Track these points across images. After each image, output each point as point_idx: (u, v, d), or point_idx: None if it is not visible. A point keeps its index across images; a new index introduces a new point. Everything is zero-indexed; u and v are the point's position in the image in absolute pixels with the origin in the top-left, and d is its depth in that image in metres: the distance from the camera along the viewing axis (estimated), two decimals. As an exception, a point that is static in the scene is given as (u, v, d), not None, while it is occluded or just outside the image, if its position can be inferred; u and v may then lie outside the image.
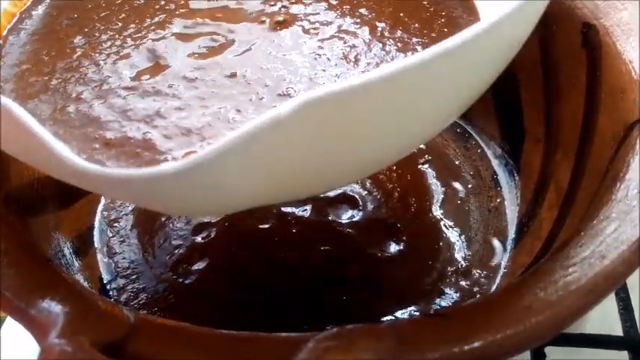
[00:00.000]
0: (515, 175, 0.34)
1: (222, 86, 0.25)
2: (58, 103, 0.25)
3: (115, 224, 0.35)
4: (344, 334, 0.20)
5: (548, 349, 0.26)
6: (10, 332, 0.34)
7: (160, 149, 0.23)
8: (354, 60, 0.25)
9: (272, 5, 0.28)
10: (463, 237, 0.32)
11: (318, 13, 0.27)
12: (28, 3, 0.29)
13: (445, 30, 0.26)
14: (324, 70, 0.25)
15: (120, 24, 0.28)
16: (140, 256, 0.33)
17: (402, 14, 0.27)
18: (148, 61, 0.26)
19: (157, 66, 0.26)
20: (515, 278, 0.27)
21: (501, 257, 0.31)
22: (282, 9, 0.28)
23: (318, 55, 0.26)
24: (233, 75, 0.25)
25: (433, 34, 0.26)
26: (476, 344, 0.20)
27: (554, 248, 0.26)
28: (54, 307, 0.21)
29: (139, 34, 0.27)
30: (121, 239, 0.34)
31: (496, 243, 0.32)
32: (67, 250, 0.30)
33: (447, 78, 0.18)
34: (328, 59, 0.25)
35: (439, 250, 0.31)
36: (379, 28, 0.26)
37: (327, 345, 0.19)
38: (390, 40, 0.26)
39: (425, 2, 0.27)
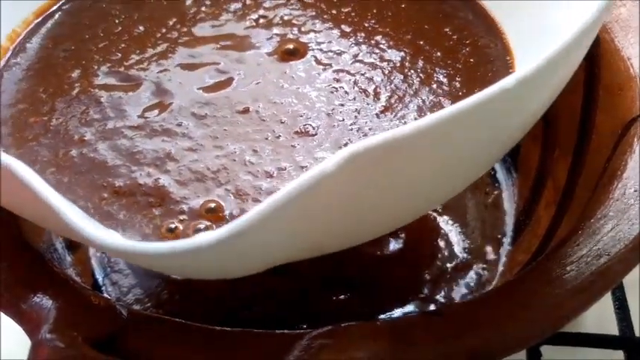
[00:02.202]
0: (513, 172, 0.33)
1: (235, 124, 0.23)
2: (59, 147, 0.23)
3: None
4: (339, 332, 0.19)
5: (544, 348, 0.26)
6: (10, 332, 0.32)
7: (174, 198, 0.21)
8: (373, 93, 0.24)
9: (281, 33, 0.27)
10: (461, 234, 0.31)
11: (331, 42, 0.26)
12: (22, 36, 0.28)
13: (471, 60, 0.25)
14: (342, 105, 0.24)
15: (119, 55, 0.26)
16: None
17: (422, 42, 0.26)
18: (153, 96, 0.24)
19: (163, 101, 0.24)
20: (512, 276, 0.28)
21: (499, 255, 0.31)
22: (292, 37, 0.26)
23: (335, 88, 0.24)
24: (245, 110, 0.24)
25: (458, 65, 0.24)
26: (472, 343, 0.20)
27: (551, 246, 0.25)
28: (46, 302, 0.20)
29: (141, 66, 0.26)
30: None
31: (494, 240, 0.31)
32: (59, 245, 0.29)
33: (500, 119, 0.17)
34: (346, 92, 0.24)
35: (437, 248, 0.30)
36: (399, 58, 0.25)
37: (322, 343, 0.19)
38: (412, 70, 0.25)
39: (447, 29, 0.26)
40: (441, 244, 0.31)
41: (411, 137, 0.14)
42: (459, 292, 0.29)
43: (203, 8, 0.28)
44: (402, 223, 0.21)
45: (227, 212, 0.20)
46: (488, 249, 0.31)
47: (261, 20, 0.27)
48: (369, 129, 0.23)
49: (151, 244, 0.14)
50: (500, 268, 0.30)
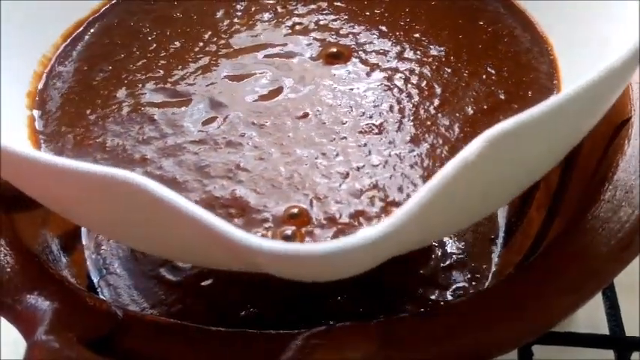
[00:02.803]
0: None
1: (297, 129, 0.23)
2: (121, 167, 0.23)
3: None
4: (332, 332, 0.20)
5: (535, 348, 0.26)
6: (10, 332, 0.32)
7: (254, 207, 0.21)
8: (427, 88, 0.24)
9: (320, 38, 0.27)
10: (453, 235, 0.32)
11: (372, 42, 0.26)
12: (53, 60, 0.27)
13: (512, 50, 0.26)
14: (399, 102, 0.24)
15: (162, 71, 0.26)
16: (128, 252, 0.31)
17: (460, 36, 0.26)
18: (208, 110, 0.24)
19: (220, 114, 0.24)
20: (504, 276, 0.28)
21: (491, 255, 0.31)
22: (333, 41, 0.27)
23: (387, 86, 0.25)
24: (304, 115, 0.24)
25: (500, 55, 0.25)
26: (464, 343, 0.20)
27: (543, 247, 0.26)
28: (41, 303, 0.20)
29: (187, 81, 0.26)
30: None
31: (486, 241, 0.32)
32: (55, 247, 0.29)
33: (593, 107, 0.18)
34: (400, 90, 0.24)
35: (430, 249, 0.31)
36: (443, 53, 0.26)
37: (316, 343, 0.19)
38: (458, 64, 0.25)
39: (481, 22, 0.27)
40: (434, 244, 0.31)
41: (539, 118, 0.15)
42: (451, 292, 0.29)
43: (235, 20, 0.28)
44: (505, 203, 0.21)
45: (313, 216, 0.21)
46: (481, 249, 0.31)
47: (297, 27, 0.27)
48: (431, 123, 0.23)
49: (317, 245, 0.14)
50: (493, 268, 0.30)
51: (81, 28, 0.29)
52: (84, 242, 0.32)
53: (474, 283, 0.30)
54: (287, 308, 0.28)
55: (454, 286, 0.29)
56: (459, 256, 0.31)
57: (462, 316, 0.20)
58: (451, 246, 0.31)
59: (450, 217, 0.17)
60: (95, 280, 0.31)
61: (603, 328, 0.28)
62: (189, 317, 0.22)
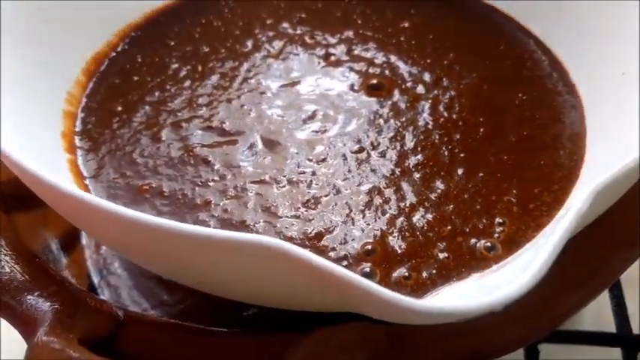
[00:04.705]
0: None
1: (355, 164, 0.24)
2: (185, 213, 0.23)
3: None
4: (338, 331, 0.19)
5: (541, 346, 0.26)
6: (10, 333, 0.32)
7: (329, 245, 0.22)
8: (470, 117, 0.25)
9: (357, 69, 0.27)
10: None
11: (409, 72, 0.27)
12: (83, 101, 0.27)
13: (537, 75, 0.27)
14: (447, 133, 0.25)
15: (204, 109, 0.26)
16: None
17: (487, 62, 0.28)
18: (262, 147, 0.24)
19: (274, 152, 0.24)
20: None
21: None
22: (371, 72, 0.27)
23: (434, 116, 0.25)
24: (360, 150, 0.24)
25: (528, 81, 0.27)
26: (472, 342, 0.20)
27: None
28: (42, 304, 0.20)
29: (234, 119, 0.26)
30: None
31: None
32: (55, 247, 0.29)
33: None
34: (446, 120, 0.25)
35: None
36: (475, 80, 0.27)
37: (323, 342, 0.19)
38: (492, 91, 0.26)
39: (502, 47, 0.28)
40: None
41: (632, 169, 0.16)
42: None
43: (266, 53, 0.28)
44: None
45: (389, 252, 0.21)
46: None
47: (332, 58, 0.28)
48: (479, 153, 0.24)
49: (471, 302, 0.15)
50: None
51: (104, 66, 0.28)
52: (84, 242, 0.31)
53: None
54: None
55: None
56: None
57: None
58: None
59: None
60: (96, 281, 0.30)
61: (610, 326, 0.28)
62: (191, 318, 0.22)
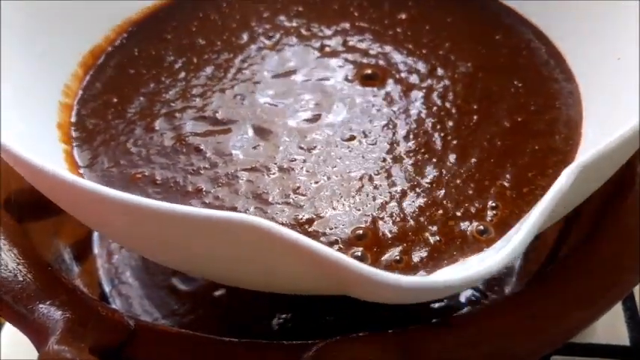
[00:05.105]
0: None
1: (347, 153, 0.24)
2: (178, 201, 0.23)
3: None
4: (349, 342, 0.20)
5: (554, 358, 0.26)
6: (10, 333, 0.32)
7: (321, 231, 0.21)
8: (463, 104, 0.25)
9: (352, 60, 0.27)
10: None
11: (403, 62, 0.27)
12: (79, 93, 0.27)
13: (533, 63, 0.27)
14: (440, 121, 0.25)
15: (197, 99, 0.26)
16: (140, 262, 0.31)
17: (483, 51, 0.27)
18: (254, 136, 0.24)
19: (266, 140, 0.24)
20: (522, 286, 0.27)
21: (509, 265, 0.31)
22: (365, 62, 0.27)
23: (426, 105, 0.25)
24: (352, 138, 0.24)
25: (523, 69, 0.27)
26: (482, 353, 0.20)
27: (561, 256, 0.26)
28: (53, 313, 0.20)
29: (227, 108, 0.26)
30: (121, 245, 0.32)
31: None
32: (67, 256, 0.29)
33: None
34: (439, 108, 0.25)
35: None
36: (470, 69, 0.27)
37: (331, 354, 0.19)
38: (487, 79, 0.26)
39: (499, 37, 0.28)
40: None
41: (617, 146, 0.16)
42: (468, 303, 0.29)
43: (262, 45, 0.28)
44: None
45: (380, 236, 0.21)
46: None
47: (326, 49, 0.28)
48: (473, 139, 0.24)
49: (449, 276, 0.14)
50: (511, 277, 0.30)
51: (101, 59, 0.28)
52: (96, 251, 0.32)
53: (491, 292, 0.30)
54: (301, 318, 0.28)
55: (472, 296, 0.29)
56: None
57: (480, 326, 0.20)
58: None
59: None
60: (107, 290, 0.30)
61: (623, 339, 0.27)
62: (201, 327, 0.22)
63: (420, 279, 0.15)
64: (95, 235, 0.32)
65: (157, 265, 0.30)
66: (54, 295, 0.21)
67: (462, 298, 0.29)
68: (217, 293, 0.29)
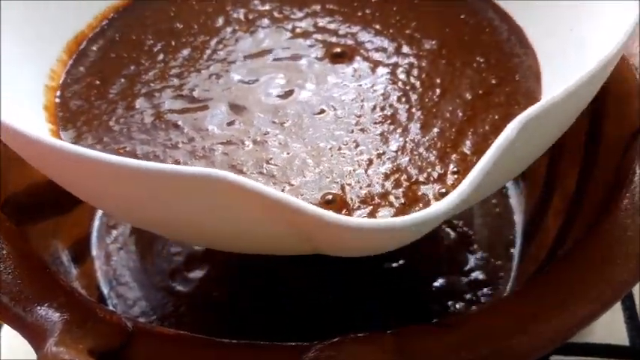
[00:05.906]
0: (521, 181, 0.34)
1: (316, 125, 0.25)
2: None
3: (114, 230, 0.34)
4: (346, 343, 0.20)
5: (553, 358, 0.26)
6: (10, 333, 0.32)
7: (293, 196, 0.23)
8: (427, 79, 0.27)
9: (322, 40, 0.29)
10: (469, 244, 0.33)
11: (371, 41, 0.28)
12: (63, 76, 0.28)
13: (495, 40, 0.28)
14: (405, 94, 0.26)
15: (176, 79, 0.27)
16: (138, 263, 0.32)
17: (447, 30, 0.29)
18: (229, 112, 0.26)
19: (241, 115, 0.26)
20: (520, 286, 0.28)
21: (507, 264, 0.32)
22: (335, 41, 0.29)
23: (392, 80, 0.27)
24: (321, 112, 0.26)
25: (485, 46, 0.28)
26: (480, 354, 0.20)
27: (559, 256, 0.26)
28: (52, 315, 0.21)
29: (203, 87, 0.27)
30: (119, 246, 0.33)
31: (502, 250, 0.32)
32: (65, 258, 0.30)
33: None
34: (404, 82, 0.27)
35: (444, 258, 0.32)
36: (434, 46, 0.28)
37: (329, 355, 0.19)
38: (450, 56, 0.28)
39: (463, 16, 0.29)
40: (448, 253, 0.32)
41: (562, 100, 0.18)
42: (466, 302, 0.30)
43: (236, 27, 0.30)
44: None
45: (348, 200, 0.23)
46: (497, 258, 0.32)
47: (298, 30, 0.29)
48: (436, 110, 0.26)
49: (405, 218, 0.16)
50: (508, 277, 0.31)
51: (84, 44, 0.30)
52: (94, 253, 0.33)
53: (490, 292, 0.31)
54: (299, 319, 0.29)
55: (470, 296, 0.31)
56: (474, 265, 0.32)
57: (477, 326, 0.21)
58: (467, 255, 0.32)
59: (490, 186, 0.20)
60: (105, 292, 0.31)
61: (622, 339, 0.28)
62: (200, 328, 0.22)
63: (379, 220, 0.16)
64: (93, 237, 0.33)
65: (156, 267, 0.32)
66: (52, 297, 0.21)
67: (462, 299, 0.31)
68: (216, 294, 0.31)
